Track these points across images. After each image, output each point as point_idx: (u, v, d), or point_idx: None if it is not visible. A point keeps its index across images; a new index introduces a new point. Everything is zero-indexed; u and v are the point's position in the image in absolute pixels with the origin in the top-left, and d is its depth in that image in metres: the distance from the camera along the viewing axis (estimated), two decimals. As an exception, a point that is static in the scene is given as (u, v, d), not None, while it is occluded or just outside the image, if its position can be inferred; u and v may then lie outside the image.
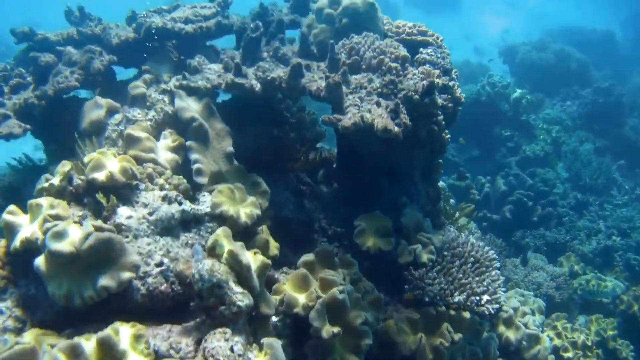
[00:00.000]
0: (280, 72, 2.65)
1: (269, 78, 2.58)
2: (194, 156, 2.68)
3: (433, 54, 3.15)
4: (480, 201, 5.75)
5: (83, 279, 1.79)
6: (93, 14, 3.47)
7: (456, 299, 2.63)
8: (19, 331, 1.96)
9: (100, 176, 2.11)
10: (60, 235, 1.78)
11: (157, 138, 2.79)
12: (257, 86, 2.60)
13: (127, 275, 1.82)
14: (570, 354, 3.68)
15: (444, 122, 2.94)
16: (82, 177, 2.16)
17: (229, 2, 3.44)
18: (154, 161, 2.55)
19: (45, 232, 1.81)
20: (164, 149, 2.69)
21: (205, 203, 2.34)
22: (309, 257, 2.49)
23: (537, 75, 9.74)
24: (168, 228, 2.14)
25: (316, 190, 3.25)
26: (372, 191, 3.05)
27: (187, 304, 2.01)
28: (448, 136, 3.23)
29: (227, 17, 3.42)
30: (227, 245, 1.81)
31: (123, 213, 2.08)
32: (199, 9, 3.32)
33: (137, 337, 1.70)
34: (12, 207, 2.04)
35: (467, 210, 3.56)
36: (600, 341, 4.11)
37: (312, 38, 3.09)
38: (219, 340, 1.67)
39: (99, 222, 1.90)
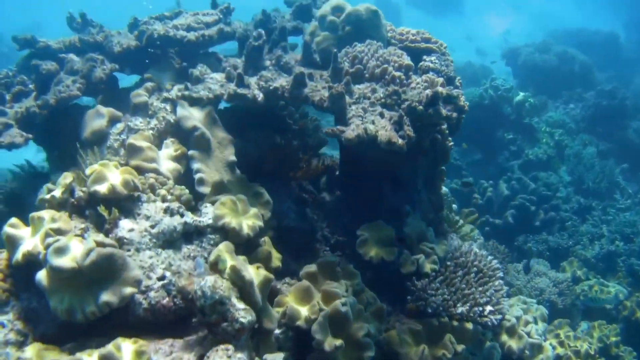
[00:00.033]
0: (282, 81, 2.64)
1: (271, 88, 2.56)
2: (196, 165, 2.67)
3: (437, 61, 3.13)
4: (482, 205, 5.73)
5: (85, 294, 1.78)
6: (95, 20, 3.47)
7: (459, 310, 2.62)
8: (20, 344, 1.95)
9: (102, 189, 2.10)
10: (61, 251, 1.77)
11: (159, 147, 2.78)
12: (260, 96, 2.59)
13: (129, 290, 1.82)
14: (573, 363, 3.66)
15: (447, 131, 2.93)
16: (84, 189, 2.15)
17: (231, 9, 3.43)
18: (156, 171, 2.54)
19: (47, 247, 1.81)
20: (166, 159, 2.69)
21: (207, 214, 2.33)
22: (311, 268, 2.48)
23: (540, 77, 9.68)
24: (170, 241, 2.13)
25: (318, 198, 3.24)
26: (375, 199, 3.04)
27: (190, 317, 2.01)
28: (451, 144, 3.21)
29: (229, 23, 3.41)
30: (230, 260, 1.80)
31: (125, 226, 2.07)
32: (201, 16, 3.31)
33: (139, 354, 1.70)
34: (13, 220, 2.04)
35: (470, 219, 3.54)
36: (603, 347, 4.09)
37: (314, 46, 3.08)
38: (222, 357, 1.66)
39: (101, 237, 1.89)
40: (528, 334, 3.17)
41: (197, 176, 2.62)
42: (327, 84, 2.62)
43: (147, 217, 2.15)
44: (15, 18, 15.11)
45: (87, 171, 2.19)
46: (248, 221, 2.33)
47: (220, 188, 2.55)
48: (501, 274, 2.88)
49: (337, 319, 2.24)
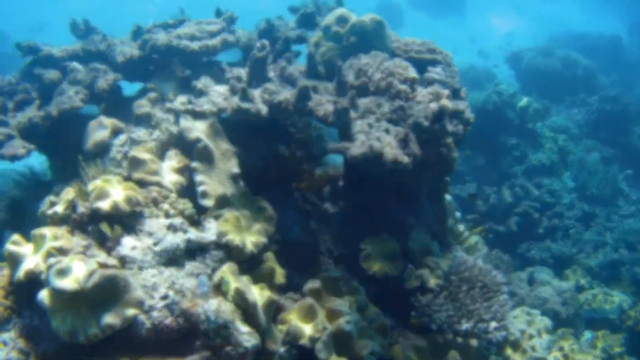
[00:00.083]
0: (287, 94, 2.61)
1: (275, 101, 2.54)
2: (199, 178, 2.65)
3: (442, 72, 3.10)
4: (485, 212, 5.71)
5: (87, 316, 1.76)
6: (98, 27, 3.45)
7: (464, 327, 2.60)
8: (22, 363, 1.93)
9: (105, 206, 2.08)
10: (64, 272, 1.75)
11: (162, 158, 2.76)
12: (264, 110, 2.57)
13: (131, 312, 1.80)
14: (577, 376, 3.64)
15: (453, 144, 2.90)
16: (86, 205, 2.13)
17: (234, 18, 3.41)
18: (159, 184, 2.52)
19: (49, 268, 1.79)
20: (168, 171, 2.66)
21: (210, 230, 2.30)
22: (315, 284, 2.46)
23: (543, 82, 9.63)
24: (173, 258, 2.11)
25: (322, 209, 3.22)
26: (379, 211, 3.02)
27: (193, 336, 1.99)
28: (456, 155, 3.19)
29: (233, 32, 3.39)
30: (234, 282, 1.78)
31: (127, 244, 2.05)
32: (205, 25, 3.29)
33: (142, 377, 1.68)
34: (15, 237, 2.02)
35: (476, 231, 3.52)
36: (606, 358, 4.06)
37: (319, 57, 3.05)
38: (225, 382, 1.64)
39: (104, 256, 1.87)
40: (532, 348, 3.15)
41: (200, 189, 2.60)
42: (331, 97, 2.59)
43: (150, 234, 2.13)
44: (18, 18, 15.08)
45: (89, 186, 2.17)
46: (252, 238, 2.31)
47: (223, 202, 2.53)
48: (506, 289, 2.85)
49: (342, 337, 2.21)
